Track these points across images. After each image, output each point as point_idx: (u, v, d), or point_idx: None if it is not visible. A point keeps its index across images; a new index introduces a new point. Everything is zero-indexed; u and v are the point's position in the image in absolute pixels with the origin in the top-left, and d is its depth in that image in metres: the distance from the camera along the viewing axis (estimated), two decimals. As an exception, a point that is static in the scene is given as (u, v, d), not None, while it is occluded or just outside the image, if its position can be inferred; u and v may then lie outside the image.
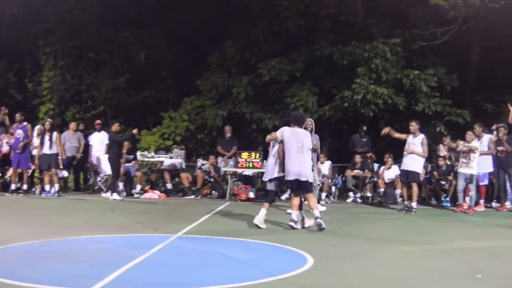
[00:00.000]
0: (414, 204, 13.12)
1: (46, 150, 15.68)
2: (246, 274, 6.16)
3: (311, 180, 9.81)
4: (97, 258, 6.90)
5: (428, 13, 20.22)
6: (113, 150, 15.13)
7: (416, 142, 13.26)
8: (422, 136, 13.31)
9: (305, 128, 10.38)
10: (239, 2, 21.07)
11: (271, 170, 10.00)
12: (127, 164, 16.43)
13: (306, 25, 20.07)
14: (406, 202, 13.48)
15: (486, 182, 14.57)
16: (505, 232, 10.38)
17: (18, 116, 16.29)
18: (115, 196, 14.86)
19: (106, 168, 16.45)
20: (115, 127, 15.51)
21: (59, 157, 15.85)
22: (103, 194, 15.57)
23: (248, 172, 16.55)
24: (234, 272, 6.34)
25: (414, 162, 13.24)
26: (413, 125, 13.45)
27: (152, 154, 17.88)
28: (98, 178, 16.83)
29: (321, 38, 20.11)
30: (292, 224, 9.67)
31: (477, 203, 14.11)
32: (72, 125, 17.74)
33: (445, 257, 7.46)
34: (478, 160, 13.68)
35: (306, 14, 19.84)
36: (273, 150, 10.05)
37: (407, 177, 13.33)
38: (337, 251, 7.77)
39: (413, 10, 20.66)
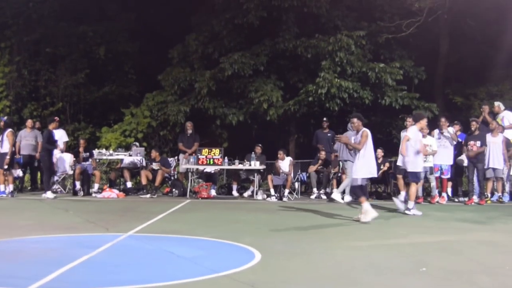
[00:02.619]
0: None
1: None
2: (190, 271, 6.31)
3: None
4: (40, 258, 6.99)
5: (394, 5, 20.55)
6: (44, 148, 15.46)
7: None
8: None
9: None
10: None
11: (367, 168, 10.94)
12: (84, 163, 16.46)
13: (269, 18, 20.32)
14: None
15: (449, 175, 14.97)
16: (461, 226, 10.63)
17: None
18: (49, 194, 15.03)
19: (63, 166, 16.58)
20: (53, 125, 15.59)
21: (7, 157, 15.74)
22: (43, 195, 15.56)
23: (209, 169, 16.70)
24: (178, 270, 6.48)
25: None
26: (409, 121, 14.04)
27: (111, 152, 17.88)
28: (55, 178, 16.83)
29: (285, 31, 20.36)
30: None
31: (439, 195, 14.65)
32: (29, 122, 17.66)
33: (394, 252, 7.69)
34: (440, 152, 14.37)
35: (269, 6, 20.05)
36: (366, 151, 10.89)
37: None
38: (286, 247, 7.93)
39: (379, 2, 20.95)
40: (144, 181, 16.37)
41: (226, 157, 16.19)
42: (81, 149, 16.55)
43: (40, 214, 12.03)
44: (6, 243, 8.16)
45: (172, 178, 17.09)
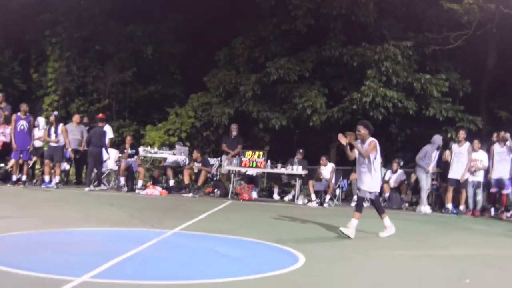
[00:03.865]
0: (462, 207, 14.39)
1: (52, 142, 16.12)
2: (235, 270, 6.42)
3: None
4: (89, 250, 7.16)
5: (442, 17, 20.41)
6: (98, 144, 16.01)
7: (463, 151, 14.48)
8: (467, 144, 14.45)
9: None
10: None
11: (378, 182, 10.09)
12: (129, 159, 16.75)
13: (317, 25, 20.42)
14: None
15: (509, 190, 14.62)
16: (504, 241, 10.59)
17: (23, 106, 16.57)
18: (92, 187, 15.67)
19: (108, 162, 16.90)
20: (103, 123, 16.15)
21: (65, 149, 16.29)
22: (86, 188, 15.94)
23: (251, 171, 16.83)
24: (223, 268, 6.57)
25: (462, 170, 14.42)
26: (462, 134, 14.33)
27: (155, 150, 18.16)
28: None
29: (332, 39, 20.41)
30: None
31: (485, 210, 14.71)
32: (76, 117, 18.01)
33: (436, 262, 7.66)
34: (497, 166, 14.36)
35: (317, 14, 20.17)
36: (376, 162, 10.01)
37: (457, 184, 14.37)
38: (329, 252, 7.99)
39: (427, 13, 20.85)
40: (186, 180, 16.58)
41: (269, 161, 16.32)
42: (127, 146, 16.85)
43: (86, 207, 12.27)
44: (55, 234, 8.37)
45: (215, 178, 17.28)
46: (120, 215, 11.15)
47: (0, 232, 7.89)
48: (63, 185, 16.63)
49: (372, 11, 20.24)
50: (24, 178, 16.23)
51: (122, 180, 16.57)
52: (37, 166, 17.82)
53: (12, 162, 16.41)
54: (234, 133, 17.81)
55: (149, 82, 23.22)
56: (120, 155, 17.09)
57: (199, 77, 21.65)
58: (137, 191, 16.43)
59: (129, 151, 16.88)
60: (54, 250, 7.05)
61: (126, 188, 16.39)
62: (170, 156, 17.51)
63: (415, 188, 16.22)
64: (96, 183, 16.28)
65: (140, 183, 16.79)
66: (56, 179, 16.12)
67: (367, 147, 9.81)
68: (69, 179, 18.16)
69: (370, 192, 9.83)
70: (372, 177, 9.79)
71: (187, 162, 17.23)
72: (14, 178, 16.10)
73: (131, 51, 23.36)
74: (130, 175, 16.91)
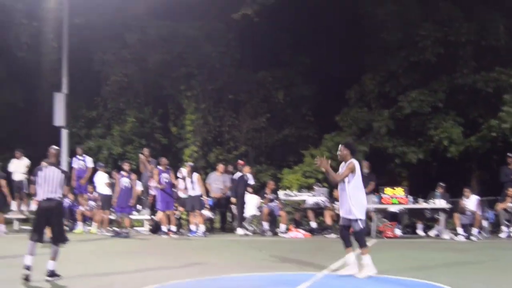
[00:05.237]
0: None
1: (190, 192, 17.31)
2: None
3: None
4: None
5: None
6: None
7: None
8: None
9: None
10: (375, 35, 21.77)
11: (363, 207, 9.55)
12: (270, 204, 17.58)
13: (446, 53, 20.33)
14: None
15: None
16: None
17: (163, 160, 17.97)
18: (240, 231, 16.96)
19: (249, 208, 17.85)
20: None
21: (203, 198, 17.41)
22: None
23: (393, 208, 17.12)
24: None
25: None
26: None
27: (295, 192, 18.81)
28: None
29: (462, 66, 20.33)
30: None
31: None
32: (220, 167, 19.16)
33: None
34: None
35: (445, 42, 20.13)
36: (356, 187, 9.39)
37: None
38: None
39: None
40: (328, 221, 17.05)
41: (409, 196, 16.53)
42: (267, 191, 17.72)
43: (235, 254, 12.98)
44: (213, 281, 8.95)
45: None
46: (269, 259, 11.67)
47: (160, 282, 8.60)
48: (209, 233, 17.70)
49: (503, 34, 20.10)
50: (173, 228, 17.47)
51: (266, 225, 17.40)
52: (183, 216, 19.06)
53: (160, 214, 17.75)
54: (366, 170, 18.15)
55: (282, 126, 23.95)
56: (261, 200, 17.98)
57: (331, 116, 22.13)
58: (280, 234, 17.16)
59: (270, 195, 17.73)
60: None
61: (270, 233, 17.21)
62: (310, 198, 18.03)
63: None
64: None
65: (283, 226, 17.48)
66: (202, 227, 17.21)
67: (343, 170, 9.32)
68: (213, 226, 19.25)
69: (355, 220, 9.20)
70: (351, 204, 9.20)
71: (327, 203, 17.77)
72: (164, 228, 17.36)
73: (263, 97, 24.21)
74: (273, 219, 17.71)
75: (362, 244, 9.27)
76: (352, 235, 9.46)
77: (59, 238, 9.19)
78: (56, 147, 9.69)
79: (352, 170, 9.19)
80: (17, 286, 8.54)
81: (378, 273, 9.27)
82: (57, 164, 9.55)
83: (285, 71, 24.45)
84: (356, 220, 9.24)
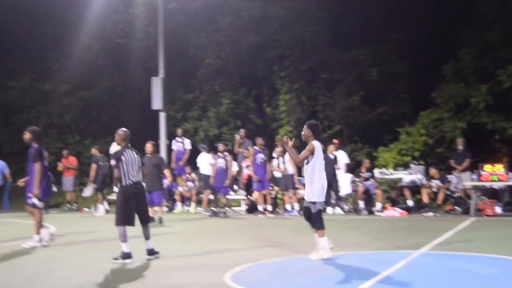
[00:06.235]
0: None
1: (283, 171, 17.54)
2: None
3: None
4: (339, 274, 7.74)
5: None
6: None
7: None
8: None
9: None
10: (471, 7, 21.18)
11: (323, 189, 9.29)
12: (366, 183, 17.57)
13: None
14: None
15: None
16: None
17: (259, 140, 18.21)
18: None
19: (344, 187, 17.88)
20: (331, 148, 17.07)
21: (295, 177, 17.57)
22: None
23: (494, 185, 16.64)
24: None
25: None
26: None
27: (391, 171, 18.72)
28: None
29: None
30: None
31: None
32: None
33: None
34: None
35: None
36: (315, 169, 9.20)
37: None
38: None
39: None
40: (425, 199, 16.91)
41: (511, 173, 16.09)
42: (363, 170, 17.70)
43: (330, 232, 13.07)
44: (305, 260, 9.02)
45: (454, 195, 17.41)
46: (363, 237, 11.73)
47: (256, 260, 8.82)
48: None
49: None
50: (269, 207, 17.75)
51: (361, 203, 17.41)
52: (278, 196, 19.32)
53: (256, 193, 18.07)
54: (460, 147, 17.79)
55: (376, 104, 23.76)
56: (356, 179, 17.99)
57: (426, 93, 21.80)
58: (376, 213, 17.15)
59: (366, 174, 17.70)
60: (307, 275, 7.72)
61: (365, 211, 17.21)
62: (406, 176, 17.91)
63: None
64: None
65: (378, 205, 17.46)
66: (296, 206, 17.42)
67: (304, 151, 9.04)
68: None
69: (313, 203, 9.01)
70: (312, 187, 9.02)
71: (424, 180, 17.58)
72: (260, 208, 17.67)
73: (356, 75, 24.04)
74: (368, 198, 17.71)
75: (319, 227, 9.12)
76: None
77: (149, 219, 9.62)
78: (125, 129, 9.75)
79: (312, 152, 8.98)
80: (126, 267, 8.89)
81: (476, 251, 9.20)
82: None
83: (378, 48, 24.14)
84: (314, 202, 9.07)
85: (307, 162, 9.05)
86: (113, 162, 9.28)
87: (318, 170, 9.02)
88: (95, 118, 26.97)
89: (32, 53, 28.20)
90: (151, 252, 9.33)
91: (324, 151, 18.85)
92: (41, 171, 10.91)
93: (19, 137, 26.05)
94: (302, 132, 9.29)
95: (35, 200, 10.92)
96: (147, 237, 9.39)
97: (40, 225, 11.11)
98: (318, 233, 9.09)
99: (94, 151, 20.10)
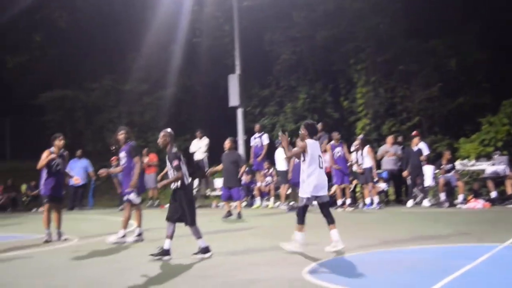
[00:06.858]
0: None
1: (362, 165, 17.42)
2: None
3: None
4: (421, 268, 7.58)
5: None
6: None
7: None
8: None
9: None
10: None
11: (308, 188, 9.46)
12: (447, 174, 17.22)
13: None
14: None
15: None
16: None
17: (335, 135, 18.12)
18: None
19: (426, 179, 17.61)
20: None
21: (374, 171, 17.41)
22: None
23: None
24: None
25: None
26: None
27: (473, 162, 18.31)
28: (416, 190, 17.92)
29: None
30: None
31: None
32: (389, 139, 19.13)
33: None
34: None
35: None
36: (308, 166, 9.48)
37: None
38: None
39: None
40: (509, 191, 16.45)
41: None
42: (444, 161, 17.36)
43: (410, 225, 12.81)
44: (387, 253, 8.94)
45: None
46: (446, 231, 11.37)
47: (334, 255, 8.79)
48: (384, 205, 17.68)
49: None
50: (348, 201, 17.67)
51: (443, 195, 17.09)
52: (357, 189, 19.21)
53: (335, 187, 18.01)
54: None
55: (456, 94, 23.28)
56: (437, 171, 17.67)
57: (508, 82, 21.21)
58: (458, 205, 16.80)
59: (447, 166, 17.36)
60: (387, 269, 7.62)
61: (447, 204, 16.88)
62: (489, 167, 17.47)
63: None
64: (418, 199, 17.15)
65: (460, 197, 17.10)
66: (376, 200, 17.27)
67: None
68: (388, 199, 19.22)
69: (300, 197, 9.39)
70: (304, 182, 9.31)
71: (508, 171, 17.10)
72: (339, 202, 17.61)
73: (434, 65, 23.59)
74: (450, 190, 17.36)
75: (298, 221, 9.34)
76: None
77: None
78: (166, 131, 9.91)
79: (304, 150, 9.33)
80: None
81: None
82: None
83: (457, 38, 23.59)
84: (301, 198, 9.41)
85: (303, 160, 9.41)
86: (176, 162, 9.29)
87: (310, 168, 9.32)
88: (174, 116, 27.47)
89: (112, 55, 29.08)
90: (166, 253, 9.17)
91: (407, 144, 18.78)
92: (140, 166, 11.37)
93: (101, 137, 27.19)
94: (300, 132, 9.74)
95: (131, 196, 11.26)
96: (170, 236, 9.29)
97: (127, 222, 11.44)
98: (297, 227, 9.31)
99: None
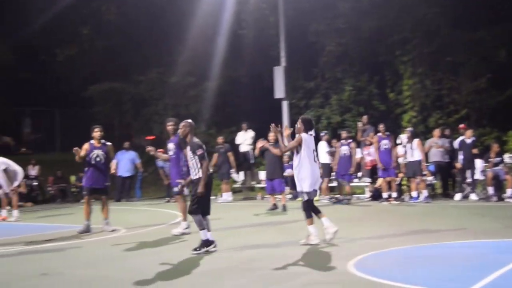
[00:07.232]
0: None
1: (409, 157, 17.26)
2: None
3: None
4: (469, 262, 7.55)
5: None
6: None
7: None
8: None
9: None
10: None
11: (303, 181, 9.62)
12: (495, 168, 16.96)
13: None
14: None
15: None
16: None
17: (381, 127, 18.01)
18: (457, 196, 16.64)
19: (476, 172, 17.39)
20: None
21: (423, 164, 17.24)
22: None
23: None
24: None
25: None
26: None
27: (520, 155, 18.01)
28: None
29: None
30: None
31: None
32: (436, 131, 18.89)
33: None
34: None
35: None
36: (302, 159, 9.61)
37: None
38: None
39: None
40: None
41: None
42: (492, 154, 17.09)
43: (457, 220, 12.74)
44: (432, 247, 8.91)
45: None
46: (494, 225, 11.33)
47: (380, 248, 8.75)
48: (431, 199, 17.50)
49: None
50: (394, 194, 17.54)
51: (491, 189, 16.83)
52: (404, 182, 19.04)
53: (380, 180, 17.91)
54: None
55: (505, 86, 22.81)
56: (485, 164, 17.42)
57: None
58: (506, 199, 16.54)
59: (495, 159, 17.09)
60: (433, 264, 7.56)
61: (495, 198, 16.62)
62: (539, 161, 17.22)
63: None
64: (465, 192, 16.98)
65: (509, 191, 16.80)
66: (423, 193, 17.11)
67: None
68: (435, 192, 19.01)
69: (301, 192, 9.50)
70: (299, 176, 9.46)
71: (558, 165, 16.78)
72: (385, 195, 17.51)
73: (482, 57, 23.14)
74: (498, 183, 17.08)
75: (306, 215, 9.55)
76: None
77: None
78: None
79: (299, 143, 9.45)
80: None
81: None
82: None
83: (506, 28, 23.08)
84: (301, 192, 9.54)
85: (297, 153, 9.52)
86: (200, 151, 9.24)
87: (306, 161, 9.45)
88: (219, 108, 27.61)
89: (159, 48, 29.36)
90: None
91: (456, 137, 18.53)
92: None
93: (148, 128, 27.48)
94: (296, 125, 9.84)
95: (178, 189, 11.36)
96: (209, 228, 9.29)
97: (185, 212, 11.38)
98: (307, 221, 9.51)
99: (220, 140, 20.71)
